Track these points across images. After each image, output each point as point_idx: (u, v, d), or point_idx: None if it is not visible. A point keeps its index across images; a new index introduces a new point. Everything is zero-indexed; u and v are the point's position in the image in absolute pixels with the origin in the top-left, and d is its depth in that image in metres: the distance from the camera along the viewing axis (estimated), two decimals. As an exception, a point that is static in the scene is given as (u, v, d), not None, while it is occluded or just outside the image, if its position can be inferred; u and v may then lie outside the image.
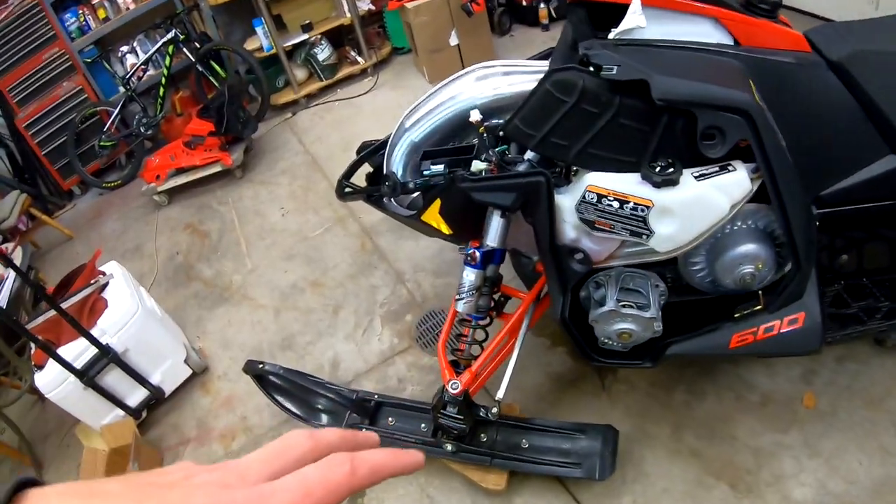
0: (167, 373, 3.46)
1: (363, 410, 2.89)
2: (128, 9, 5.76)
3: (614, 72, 1.84)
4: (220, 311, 4.09)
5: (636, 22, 1.94)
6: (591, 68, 1.91)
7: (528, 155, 2.20)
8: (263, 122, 5.87)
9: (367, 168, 3.02)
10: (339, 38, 6.20)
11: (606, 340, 2.33)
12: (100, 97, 5.92)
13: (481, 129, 2.16)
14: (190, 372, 3.58)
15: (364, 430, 2.82)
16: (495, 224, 2.31)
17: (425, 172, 2.37)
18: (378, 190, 2.70)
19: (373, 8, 6.03)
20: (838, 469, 2.37)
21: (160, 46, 5.61)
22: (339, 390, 2.98)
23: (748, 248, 2.08)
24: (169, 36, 5.52)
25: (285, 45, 5.78)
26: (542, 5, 5.95)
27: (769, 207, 2.01)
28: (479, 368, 2.48)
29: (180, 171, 5.29)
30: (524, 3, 6.03)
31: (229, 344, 3.84)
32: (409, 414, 2.86)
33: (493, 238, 2.31)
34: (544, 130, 1.99)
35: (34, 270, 4.85)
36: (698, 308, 2.40)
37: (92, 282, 3.17)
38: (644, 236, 2.02)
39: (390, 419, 2.86)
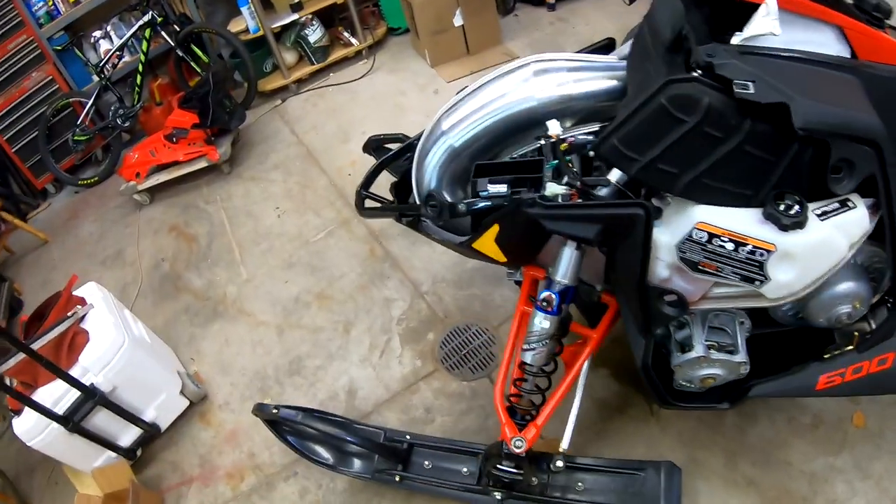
0: (162, 407, 3.09)
1: (394, 454, 2.58)
2: (99, -11, 5.26)
3: (751, 90, 1.50)
4: (214, 329, 3.69)
5: (769, 27, 1.60)
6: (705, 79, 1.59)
7: (614, 176, 1.85)
8: (251, 110, 5.41)
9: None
10: (331, 17, 5.73)
11: (685, 384, 2.11)
12: (72, 87, 5.43)
13: (564, 145, 1.81)
14: (187, 403, 3.22)
15: (398, 477, 2.54)
16: (568, 257, 2.03)
17: (483, 193, 2.04)
18: (415, 209, 2.32)
19: (368, -15, 5.57)
20: (888, 491, 2.32)
21: (136, 30, 5.12)
22: (365, 431, 2.67)
23: (848, 286, 1.84)
24: (145, 18, 5.04)
25: (273, 26, 5.29)
26: (547, -17, 5.55)
27: (869, 242, 1.77)
28: (545, 422, 2.18)
29: (162, 167, 4.83)
30: (529, -20, 5.63)
31: (228, 368, 3.45)
32: (448, 456, 2.60)
33: (564, 273, 2.05)
34: (652, 155, 1.69)
35: (8, 282, 4.43)
36: (774, 341, 2.18)
37: (69, 314, 2.75)
38: (757, 283, 1.77)
39: (426, 462, 2.59)
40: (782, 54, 1.65)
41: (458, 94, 2.38)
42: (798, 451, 2.46)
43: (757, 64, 1.57)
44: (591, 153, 1.88)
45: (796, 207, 1.62)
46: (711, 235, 1.71)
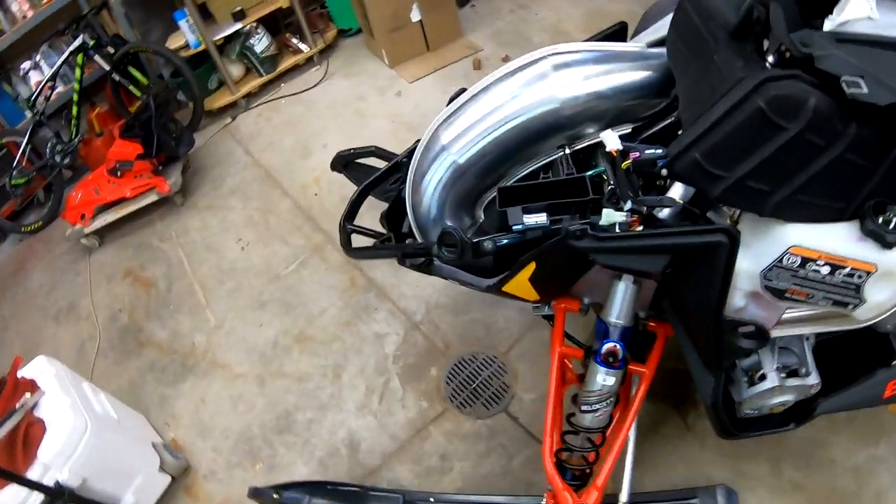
0: (141, 489, 2.70)
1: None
2: (25, 17, 4.76)
3: (864, 90, 1.22)
4: (187, 386, 3.30)
5: (864, 10, 1.35)
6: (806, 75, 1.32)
7: (678, 193, 1.60)
8: (199, 132, 4.98)
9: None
10: (277, 24, 5.33)
11: (751, 412, 1.94)
12: (4, 126, 4.98)
13: (626, 162, 1.54)
14: (169, 479, 2.84)
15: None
16: (624, 294, 1.81)
17: (517, 227, 1.74)
18: (425, 250, 1.97)
19: (313, -15, 5.16)
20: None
21: (67, 57, 4.66)
22: (383, 498, 2.37)
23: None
24: (76, 43, 4.59)
25: (215, 38, 4.86)
26: (504, -31, 5.22)
27: None
28: (605, 482, 1.92)
29: (108, 205, 4.38)
30: (484, -34, 5.29)
31: (208, 430, 3.07)
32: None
33: (621, 313, 1.82)
34: (742, 171, 1.41)
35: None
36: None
37: (17, 406, 2.34)
38: (850, 306, 1.58)
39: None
40: (874, 40, 1.35)
41: (455, 99, 2.07)
42: (839, 448, 2.40)
43: (858, 55, 1.28)
44: (664, 171, 1.57)
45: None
46: (805, 260, 1.50)
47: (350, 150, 3.56)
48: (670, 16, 1.94)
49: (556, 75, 1.84)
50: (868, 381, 1.86)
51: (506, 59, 4.75)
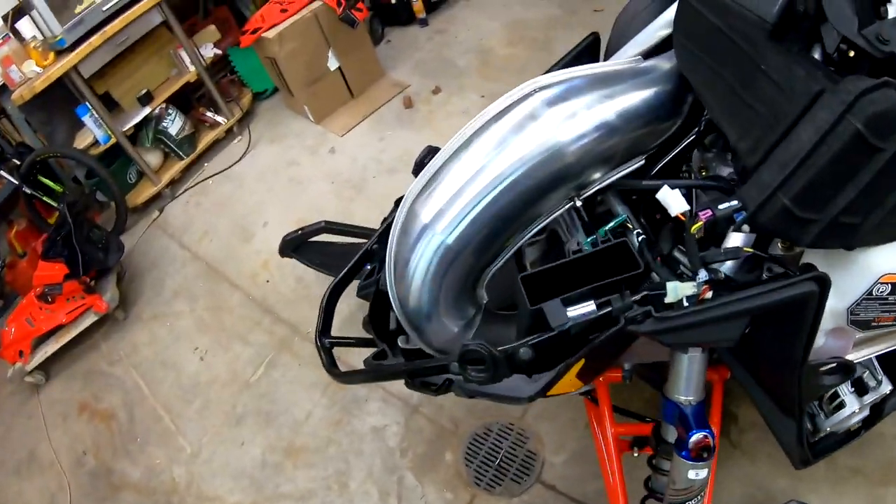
0: None
1: None
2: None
3: None
4: (177, 530, 2.95)
5: None
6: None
7: (738, 240, 1.40)
8: (127, 232, 4.60)
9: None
10: (188, 100, 4.98)
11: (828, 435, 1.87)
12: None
13: (695, 227, 1.30)
14: None
15: None
16: (690, 366, 1.57)
17: (560, 327, 1.42)
18: (441, 368, 1.67)
19: (219, 52, 4.80)
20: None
21: (-30, 176, 4.28)
22: None
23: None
24: (-23, 162, 4.21)
25: (125, 128, 4.48)
26: (415, -2, 4.98)
27: None
28: None
29: (46, 335, 3.99)
30: (392, 0, 5.02)
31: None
32: None
33: (689, 388, 1.59)
34: (838, 207, 1.22)
35: None
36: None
37: None
38: None
39: None
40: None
41: (425, 162, 1.74)
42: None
43: None
44: (749, 228, 1.37)
45: None
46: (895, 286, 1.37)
47: (297, 230, 3.27)
48: (661, 20, 1.71)
49: (551, 112, 1.53)
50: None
51: (436, 91, 4.52)
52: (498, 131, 1.59)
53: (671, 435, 1.73)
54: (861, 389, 1.78)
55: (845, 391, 1.75)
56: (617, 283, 1.44)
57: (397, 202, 2.56)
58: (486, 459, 2.66)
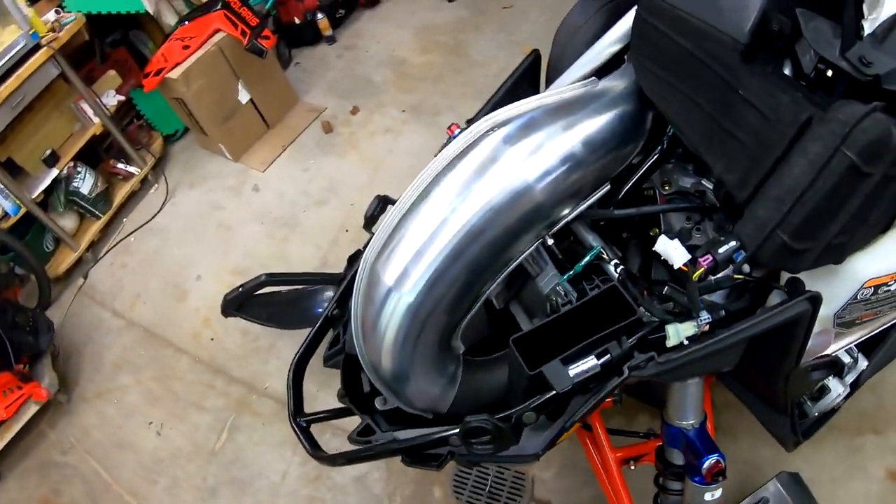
0: None
1: None
2: None
3: None
4: None
5: None
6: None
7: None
8: (53, 306, 4.31)
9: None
10: (96, 154, 4.65)
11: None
12: None
13: (697, 274, 1.26)
14: None
15: None
16: (689, 392, 1.68)
17: (563, 388, 1.37)
18: (441, 442, 1.59)
19: (122, 98, 4.49)
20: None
21: None
22: None
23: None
24: None
25: (34, 195, 4.14)
26: (319, 15, 4.81)
27: None
28: None
29: (-15, 433, 3.74)
30: (296, 20, 4.83)
31: None
32: None
33: (689, 413, 1.71)
34: (831, 234, 1.23)
35: None
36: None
37: None
38: None
39: None
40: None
41: (377, 214, 1.73)
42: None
43: None
44: (749, 269, 1.45)
45: None
46: (878, 287, 1.41)
47: (238, 287, 3.10)
48: (610, 36, 1.63)
49: (512, 151, 1.43)
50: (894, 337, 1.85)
51: (355, 111, 4.38)
52: (457, 178, 1.48)
53: (677, 458, 1.78)
54: (841, 371, 1.83)
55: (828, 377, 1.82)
56: (616, 333, 1.40)
57: (351, 259, 2.46)
58: (475, 489, 2.62)
